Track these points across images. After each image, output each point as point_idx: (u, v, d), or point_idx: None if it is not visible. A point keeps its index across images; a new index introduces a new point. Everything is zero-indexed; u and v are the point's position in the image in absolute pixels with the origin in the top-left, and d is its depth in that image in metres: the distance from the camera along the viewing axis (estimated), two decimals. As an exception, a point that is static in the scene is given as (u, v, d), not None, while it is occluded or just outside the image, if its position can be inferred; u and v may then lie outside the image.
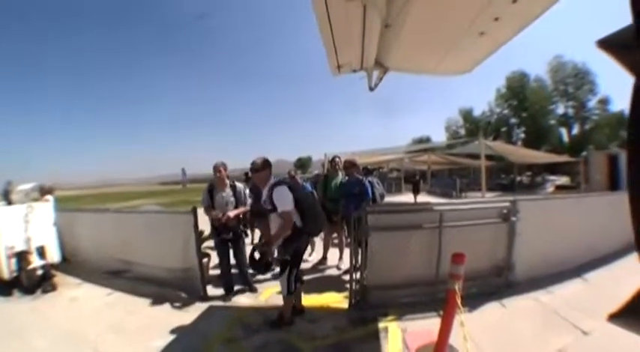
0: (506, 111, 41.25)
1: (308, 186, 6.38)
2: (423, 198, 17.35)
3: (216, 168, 4.33)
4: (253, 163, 3.45)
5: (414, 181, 18.43)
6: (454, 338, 2.74)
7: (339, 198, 5.14)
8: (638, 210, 0.78)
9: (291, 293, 3.34)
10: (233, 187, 4.39)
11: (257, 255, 3.27)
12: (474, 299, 3.62)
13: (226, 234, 4.33)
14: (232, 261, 4.47)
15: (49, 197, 5.87)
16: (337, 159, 5.61)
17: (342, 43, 3.06)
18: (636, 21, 0.71)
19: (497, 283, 4.03)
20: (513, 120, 40.73)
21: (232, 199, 4.33)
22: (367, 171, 6.80)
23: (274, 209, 3.17)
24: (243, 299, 4.28)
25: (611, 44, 0.90)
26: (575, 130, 37.27)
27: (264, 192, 3.33)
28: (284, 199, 3.14)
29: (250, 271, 4.21)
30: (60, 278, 5.35)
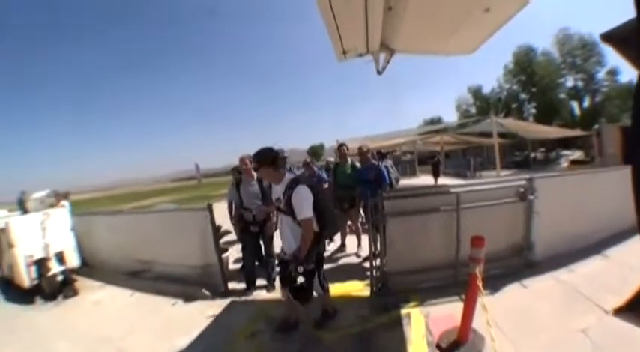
0: (515, 87, 40.59)
1: (323, 173, 6.34)
2: (439, 180, 16.72)
3: (242, 161, 4.26)
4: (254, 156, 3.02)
5: (433, 163, 17.44)
6: (477, 322, 2.72)
7: (350, 185, 5.10)
8: None
9: (326, 290, 3.25)
10: (259, 180, 4.25)
11: (300, 280, 2.73)
12: (495, 281, 3.58)
13: (255, 227, 4.30)
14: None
15: (65, 202, 5.94)
16: (344, 147, 5.49)
17: (345, 27, 2.98)
18: (639, 15, 0.69)
19: (517, 263, 3.99)
20: (523, 96, 40.08)
21: (259, 192, 4.26)
22: (381, 155, 6.71)
23: (291, 212, 2.75)
24: (264, 293, 4.29)
25: (614, 38, 0.90)
26: (586, 103, 36.48)
27: (278, 189, 2.95)
28: (305, 203, 2.70)
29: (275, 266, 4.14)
30: (81, 282, 5.43)
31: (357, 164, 5.24)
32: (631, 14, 0.80)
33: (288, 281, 2.87)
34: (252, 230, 4.30)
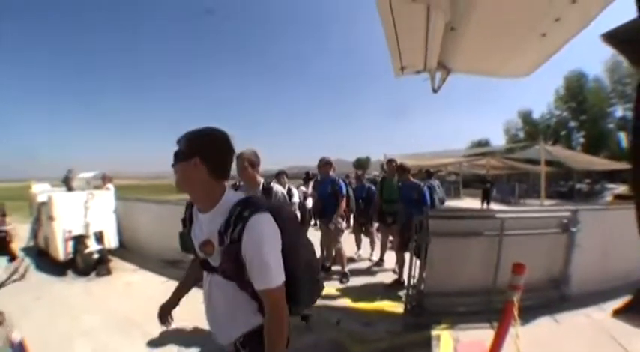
0: (565, 114, 39.01)
1: (341, 183, 6.18)
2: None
3: (240, 159, 2.85)
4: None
5: (485, 188, 16.26)
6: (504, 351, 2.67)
7: (394, 200, 5.19)
8: None
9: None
10: (267, 190, 2.99)
11: None
12: (526, 312, 3.47)
13: None
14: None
15: (110, 185, 6.22)
16: (393, 163, 5.58)
17: (405, 44, 3.02)
18: None
19: (551, 296, 3.87)
20: (572, 124, 38.52)
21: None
22: (429, 173, 6.73)
23: (236, 273, 1.27)
24: None
25: (617, 38, 0.89)
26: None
27: (204, 221, 1.34)
28: (272, 255, 1.22)
29: None
30: (116, 263, 5.68)
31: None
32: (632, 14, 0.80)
33: None
34: None
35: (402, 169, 4.95)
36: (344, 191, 4.95)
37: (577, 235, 3.81)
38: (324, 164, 4.97)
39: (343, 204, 4.90)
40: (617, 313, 1.02)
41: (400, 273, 4.76)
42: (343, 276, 4.90)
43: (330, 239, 5.06)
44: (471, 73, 3.80)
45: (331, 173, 5.06)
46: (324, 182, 5.03)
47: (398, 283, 4.68)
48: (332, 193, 4.87)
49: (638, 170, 0.84)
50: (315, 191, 5.30)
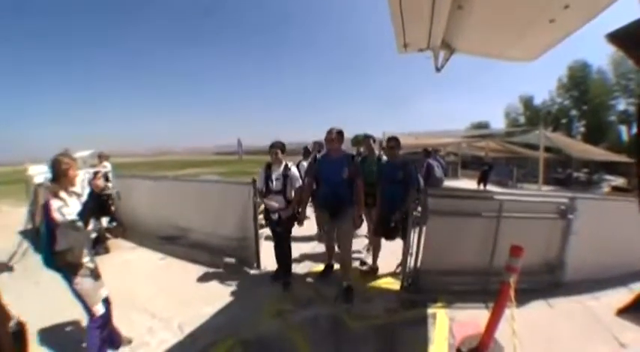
0: (567, 102, 38.76)
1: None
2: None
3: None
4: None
5: (484, 170, 15.65)
6: (499, 333, 2.73)
7: (372, 183, 4.14)
8: None
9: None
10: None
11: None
12: (522, 295, 3.52)
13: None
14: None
15: (107, 163, 6.18)
16: (370, 139, 4.72)
17: (410, 20, 2.96)
18: None
19: (546, 281, 3.91)
20: (574, 112, 38.34)
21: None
22: (427, 152, 6.51)
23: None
24: (295, 272, 4.32)
25: (621, 37, 0.88)
26: (635, 129, 34.73)
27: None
28: None
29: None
30: (114, 241, 5.67)
31: (384, 158, 4.44)
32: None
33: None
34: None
35: (389, 146, 4.14)
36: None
37: (574, 222, 3.82)
38: (337, 135, 3.71)
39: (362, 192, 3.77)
40: (622, 312, 1.02)
41: (374, 260, 4.42)
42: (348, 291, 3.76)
43: (345, 240, 3.84)
44: (475, 53, 3.76)
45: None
46: (334, 161, 3.70)
47: (373, 271, 4.37)
48: (347, 178, 3.64)
49: None
50: (318, 174, 3.88)
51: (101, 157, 6.24)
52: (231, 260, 4.51)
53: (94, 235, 5.41)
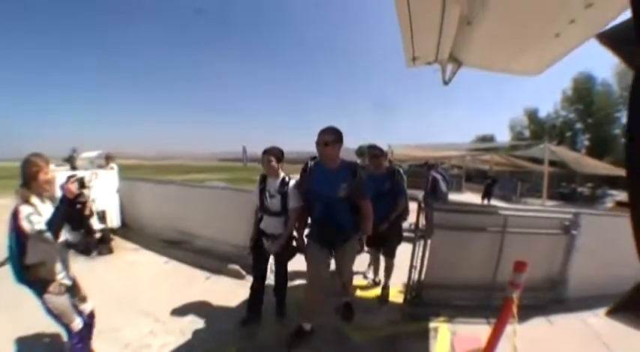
0: (571, 115, 38.60)
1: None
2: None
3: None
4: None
5: (488, 183, 15.59)
6: (499, 349, 2.71)
7: None
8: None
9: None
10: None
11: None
12: (521, 311, 3.52)
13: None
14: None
15: (114, 165, 6.25)
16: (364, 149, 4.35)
17: (419, 35, 3.02)
18: (636, 15, 0.69)
19: (547, 297, 3.90)
20: (578, 126, 38.14)
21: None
22: (429, 166, 6.47)
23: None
24: (299, 282, 4.25)
25: (611, 38, 0.89)
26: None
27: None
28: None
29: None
30: (118, 242, 5.70)
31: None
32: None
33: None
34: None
35: (372, 155, 3.79)
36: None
37: (577, 238, 3.82)
38: (332, 137, 2.74)
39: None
40: (611, 313, 1.03)
41: (376, 273, 4.41)
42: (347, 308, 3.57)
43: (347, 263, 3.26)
44: (482, 67, 3.80)
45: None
46: (331, 173, 2.80)
47: (375, 284, 4.32)
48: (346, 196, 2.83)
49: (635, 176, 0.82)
50: (309, 189, 2.95)
51: (108, 158, 6.30)
52: (235, 266, 4.50)
53: (98, 235, 5.45)
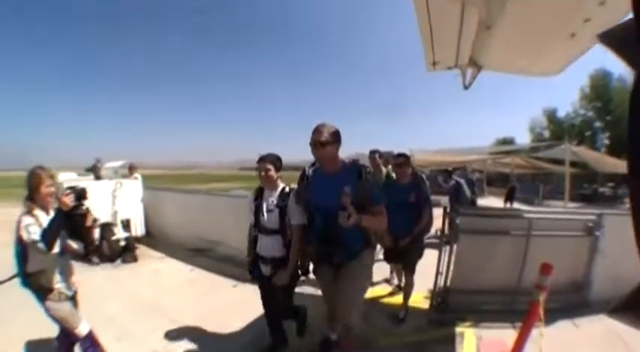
0: (590, 114, 37.75)
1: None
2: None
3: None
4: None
5: (511, 187, 15.78)
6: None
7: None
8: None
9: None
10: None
11: None
12: (547, 314, 3.50)
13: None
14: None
15: (138, 175, 6.41)
16: (376, 155, 4.40)
17: (439, 40, 3.07)
18: (637, 15, 0.69)
19: (572, 300, 3.85)
20: (598, 124, 37.30)
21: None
22: (448, 173, 6.43)
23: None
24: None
25: (612, 38, 0.90)
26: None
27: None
28: None
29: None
30: (142, 250, 5.84)
31: (393, 175, 4.03)
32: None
33: None
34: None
35: (397, 163, 3.60)
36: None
37: (601, 239, 3.78)
38: (328, 136, 2.23)
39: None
40: (613, 312, 1.04)
41: (400, 278, 4.31)
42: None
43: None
44: (500, 70, 3.81)
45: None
46: (331, 179, 2.33)
47: (400, 290, 4.22)
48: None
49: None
50: (309, 200, 2.48)
51: (132, 168, 6.47)
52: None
53: (122, 244, 5.59)
